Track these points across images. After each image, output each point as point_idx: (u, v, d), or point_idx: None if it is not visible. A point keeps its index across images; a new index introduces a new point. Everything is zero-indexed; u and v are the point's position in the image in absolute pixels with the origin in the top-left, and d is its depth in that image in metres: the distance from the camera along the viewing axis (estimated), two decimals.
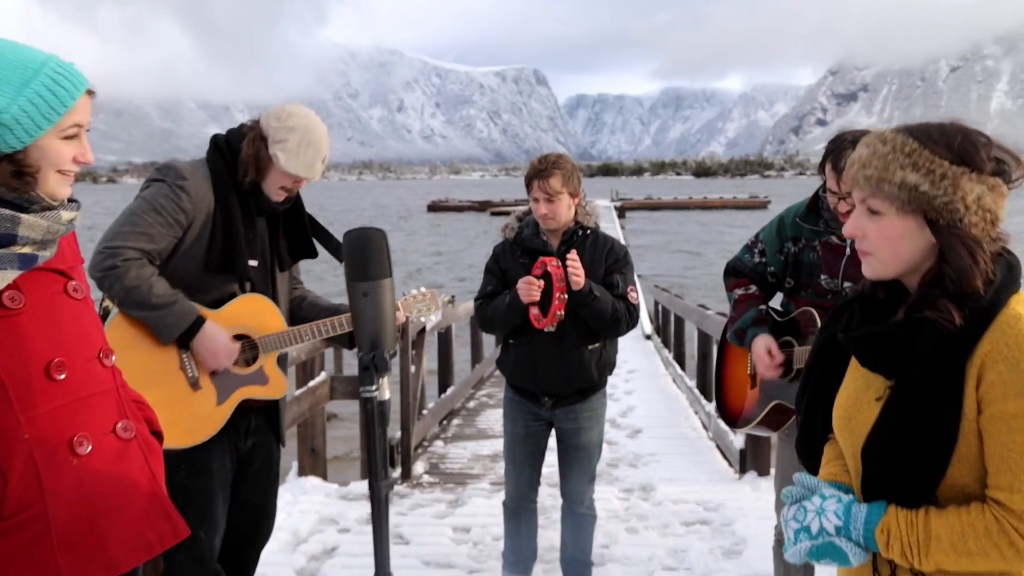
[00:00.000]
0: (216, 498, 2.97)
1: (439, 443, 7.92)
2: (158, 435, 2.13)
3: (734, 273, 3.48)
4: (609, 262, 3.83)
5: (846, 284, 3.16)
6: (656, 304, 16.55)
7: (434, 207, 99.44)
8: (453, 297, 8.91)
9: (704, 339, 9.63)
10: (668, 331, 14.20)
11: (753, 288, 3.39)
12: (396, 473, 6.69)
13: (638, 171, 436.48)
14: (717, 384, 3.67)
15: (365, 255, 1.76)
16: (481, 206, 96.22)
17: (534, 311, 3.72)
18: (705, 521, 5.48)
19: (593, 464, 4.03)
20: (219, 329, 2.85)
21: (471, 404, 10.05)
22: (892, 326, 1.60)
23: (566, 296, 3.65)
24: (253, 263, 2.99)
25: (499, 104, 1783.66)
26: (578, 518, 4.06)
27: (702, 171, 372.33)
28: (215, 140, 3.01)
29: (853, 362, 1.73)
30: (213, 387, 2.89)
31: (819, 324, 3.11)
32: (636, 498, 6.00)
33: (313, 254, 3.23)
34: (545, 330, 3.74)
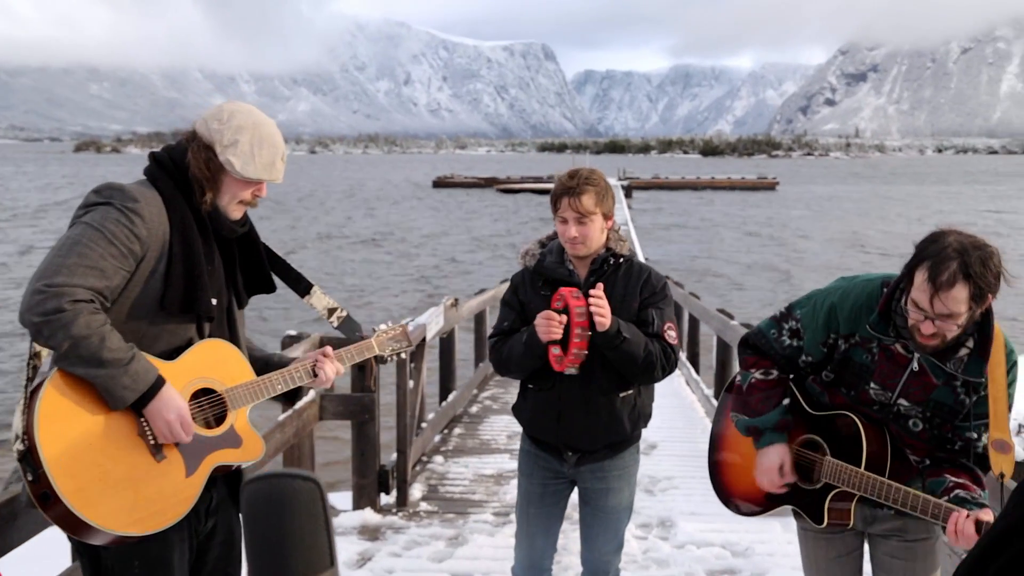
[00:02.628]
0: None
1: (439, 459, 7.36)
2: None
3: (755, 350, 2.81)
4: (644, 295, 3.26)
5: (900, 401, 2.55)
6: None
7: (440, 183, 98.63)
8: (456, 300, 8.32)
9: (724, 348, 9.02)
10: (681, 327, 13.58)
11: (775, 373, 2.75)
12: (391, 499, 6.13)
13: (645, 149, 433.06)
14: (712, 462, 3.07)
15: (279, 538, 0.86)
16: (487, 182, 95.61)
17: (555, 351, 3.14)
18: (733, 571, 4.93)
19: (621, 531, 3.47)
20: (176, 394, 2.31)
21: (474, 409, 9.50)
22: None
23: (588, 333, 3.08)
24: (214, 300, 2.46)
25: (506, 79, 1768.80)
26: None
27: (709, 150, 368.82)
28: (156, 157, 2.47)
29: None
30: (180, 456, 2.34)
31: (863, 437, 2.53)
32: (655, 537, 5.46)
33: (270, 288, 2.70)
34: (566, 372, 3.17)
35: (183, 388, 2.36)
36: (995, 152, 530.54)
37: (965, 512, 2.29)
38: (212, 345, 2.46)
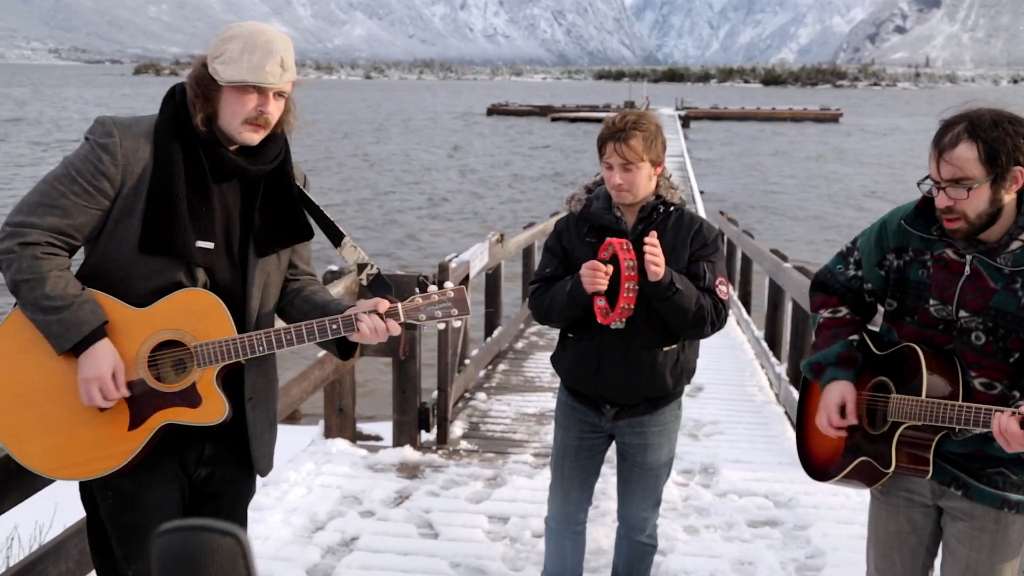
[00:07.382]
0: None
1: (482, 395, 7.33)
2: None
3: (822, 288, 2.72)
4: (695, 247, 3.12)
5: (962, 313, 2.37)
6: (721, 234, 15.61)
7: (494, 110, 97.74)
8: (502, 235, 8.20)
9: (776, 291, 8.78)
10: (732, 264, 13.25)
11: (843, 311, 2.64)
12: (431, 436, 6.11)
13: (705, 77, 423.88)
14: (799, 419, 2.88)
15: None
16: (542, 111, 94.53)
17: (600, 303, 3.03)
18: (775, 522, 4.82)
19: (660, 487, 3.39)
20: (111, 352, 2.22)
21: (519, 344, 9.45)
22: None
23: (637, 287, 2.95)
24: (207, 245, 2.31)
25: (564, 4, 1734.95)
26: (636, 548, 3.45)
27: (771, 79, 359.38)
28: (172, 89, 2.38)
29: None
30: (126, 407, 2.27)
31: (923, 364, 2.37)
32: (696, 484, 5.36)
33: (307, 234, 2.54)
34: (612, 327, 3.05)
35: (147, 337, 2.27)
36: None
37: (1009, 411, 2.14)
38: (194, 295, 2.31)
